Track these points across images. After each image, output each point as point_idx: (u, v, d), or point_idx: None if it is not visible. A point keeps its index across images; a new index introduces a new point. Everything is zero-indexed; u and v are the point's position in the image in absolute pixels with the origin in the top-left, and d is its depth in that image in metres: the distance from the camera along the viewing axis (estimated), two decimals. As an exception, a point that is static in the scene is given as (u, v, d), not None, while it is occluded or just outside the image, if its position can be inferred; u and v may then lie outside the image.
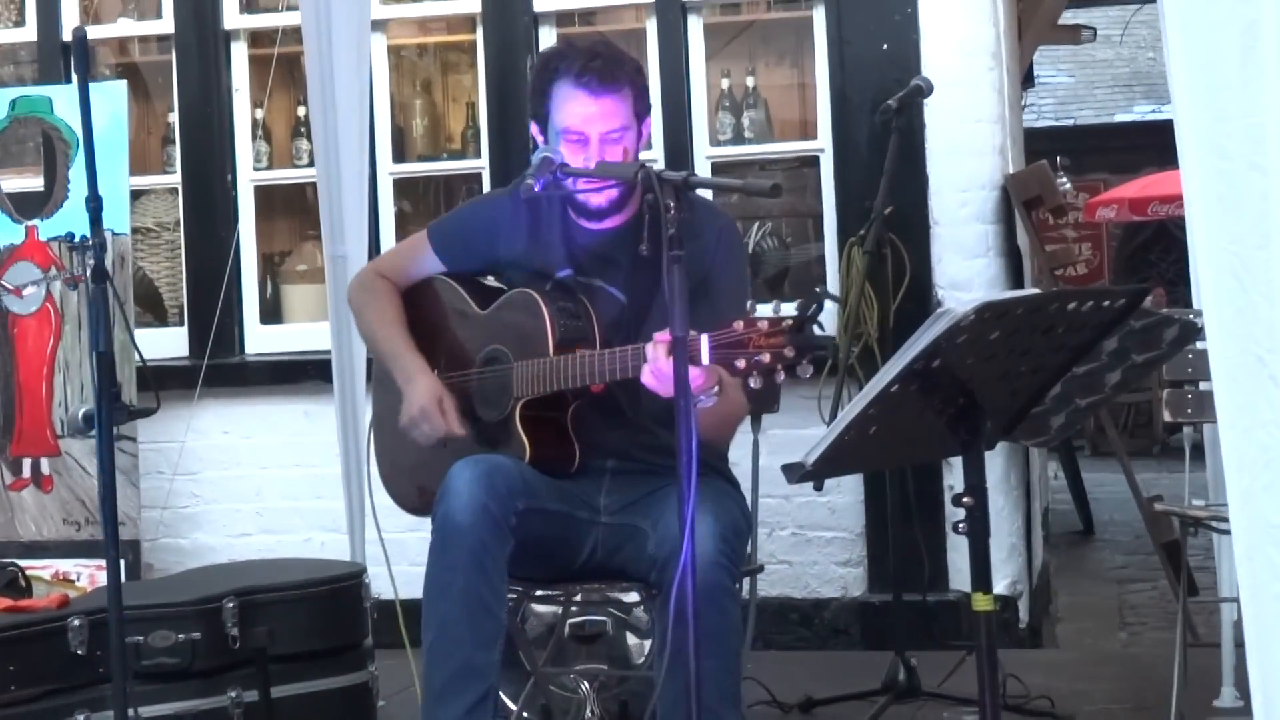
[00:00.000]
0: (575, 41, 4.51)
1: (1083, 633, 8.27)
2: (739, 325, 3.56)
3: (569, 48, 4.41)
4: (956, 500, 3.39)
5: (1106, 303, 3.33)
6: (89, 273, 3.92)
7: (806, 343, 3.54)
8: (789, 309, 3.56)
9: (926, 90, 5.91)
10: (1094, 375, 3.50)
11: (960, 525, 3.39)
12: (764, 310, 3.57)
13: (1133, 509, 8.72)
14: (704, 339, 3.61)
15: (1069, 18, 13.66)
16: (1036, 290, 3.39)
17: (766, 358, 3.52)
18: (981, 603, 3.40)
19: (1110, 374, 3.52)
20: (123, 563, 4.02)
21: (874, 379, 3.21)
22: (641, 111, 4.34)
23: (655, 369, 3.79)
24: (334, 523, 7.01)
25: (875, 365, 6.02)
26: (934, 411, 3.36)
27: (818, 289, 3.74)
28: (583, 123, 4.21)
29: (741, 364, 3.56)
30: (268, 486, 7.47)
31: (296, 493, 7.40)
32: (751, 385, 3.58)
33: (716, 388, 3.82)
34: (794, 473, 3.28)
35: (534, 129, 4.40)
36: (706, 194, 4.62)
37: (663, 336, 3.66)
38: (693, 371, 3.60)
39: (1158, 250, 19.29)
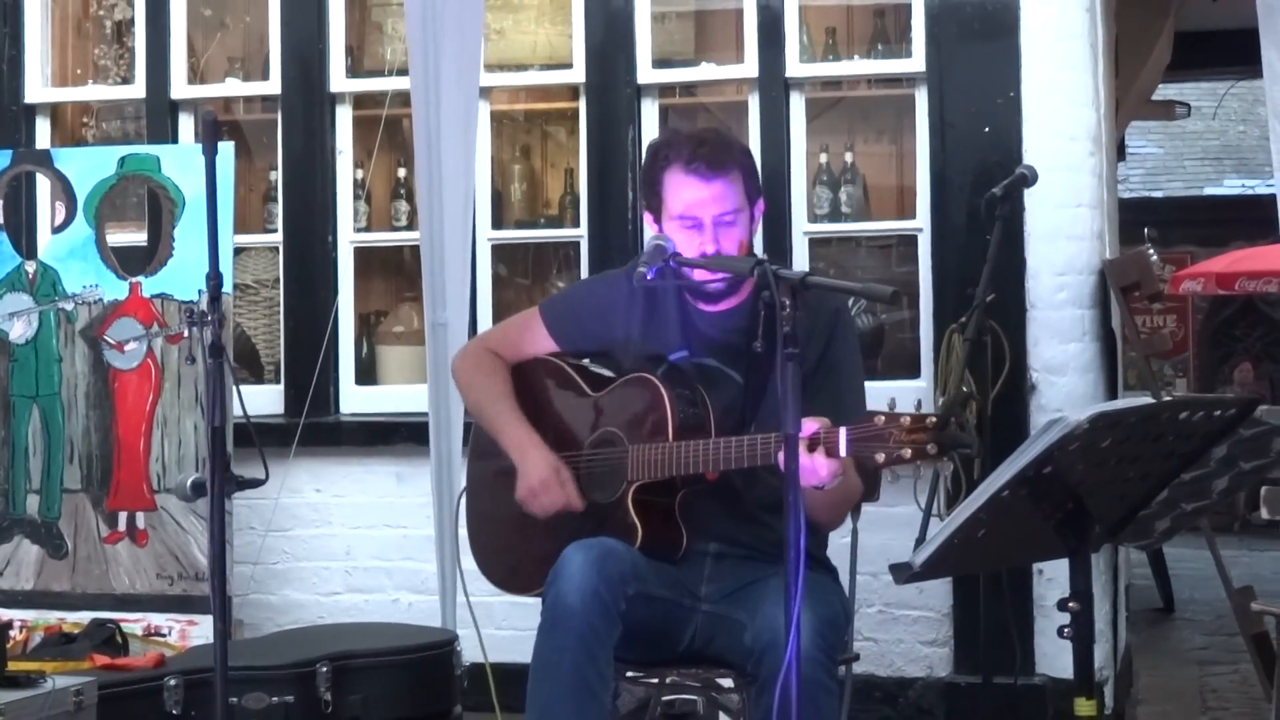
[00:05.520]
0: (682, 129, 4.52)
1: (1164, 716, 8.21)
2: (880, 420, 3.59)
3: (675, 136, 4.42)
4: (1061, 605, 3.41)
5: (1218, 412, 3.35)
6: (205, 348, 3.98)
7: (952, 440, 3.57)
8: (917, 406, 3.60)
9: (1031, 179, 5.91)
10: (1201, 481, 3.52)
11: (1066, 630, 3.40)
12: (905, 405, 3.62)
13: (1214, 588, 8.64)
14: (842, 432, 3.65)
15: (1162, 93, 13.63)
16: (1149, 399, 3.40)
17: (908, 453, 3.55)
18: (1084, 708, 3.41)
19: (1218, 480, 3.54)
20: (213, 619, 4.06)
21: (984, 483, 3.23)
22: (753, 194, 4.36)
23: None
24: (422, 584, 7.08)
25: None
26: (1042, 516, 3.37)
27: (965, 389, 3.76)
28: (695, 208, 4.23)
29: (881, 458, 3.59)
30: (358, 546, 7.48)
31: (386, 553, 7.42)
32: (886, 479, 3.60)
33: (840, 473, 3.82)
34: (901, 574, 3.30)
35: (648, 219, 4.42)
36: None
37: (804, 430, 3.62)
38: (826, 462, 3.65)
39: (1243, 325, 19.16)
